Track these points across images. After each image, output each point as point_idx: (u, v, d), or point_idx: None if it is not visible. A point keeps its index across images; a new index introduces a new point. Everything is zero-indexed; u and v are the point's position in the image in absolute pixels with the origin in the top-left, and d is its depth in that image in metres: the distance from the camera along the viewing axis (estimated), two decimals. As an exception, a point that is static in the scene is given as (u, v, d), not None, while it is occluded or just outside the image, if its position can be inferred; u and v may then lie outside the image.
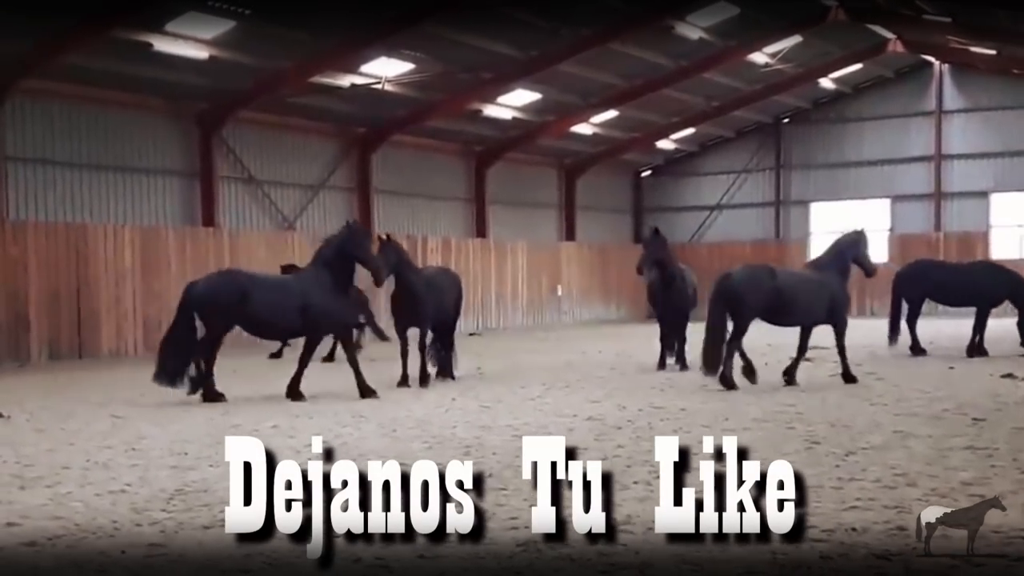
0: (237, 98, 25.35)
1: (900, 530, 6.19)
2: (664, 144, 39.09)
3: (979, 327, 18.72)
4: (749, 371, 14.03)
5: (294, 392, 13.41)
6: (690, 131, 38.07)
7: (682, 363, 17.21)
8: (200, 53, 22.12)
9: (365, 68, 25.40)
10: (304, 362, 13.61)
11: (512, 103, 30.36)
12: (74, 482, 8.17)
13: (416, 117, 29.45)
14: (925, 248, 34.13)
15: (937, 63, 36.84)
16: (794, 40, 30.47)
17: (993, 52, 32.38)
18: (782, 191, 39.81)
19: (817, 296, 14.38)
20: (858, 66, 35.50)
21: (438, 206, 32.91)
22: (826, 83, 36.58)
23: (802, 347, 14.58)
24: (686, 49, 28.99)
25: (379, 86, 25.98)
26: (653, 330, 19.34)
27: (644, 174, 42.33)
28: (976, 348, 18.59)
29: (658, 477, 7.79)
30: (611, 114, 33.33)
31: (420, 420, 11.32)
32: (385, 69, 25.57)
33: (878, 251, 37.09)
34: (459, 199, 33.90)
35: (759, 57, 31.19)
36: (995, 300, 18.93)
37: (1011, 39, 29.44)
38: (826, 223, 39.07)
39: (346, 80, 25.55)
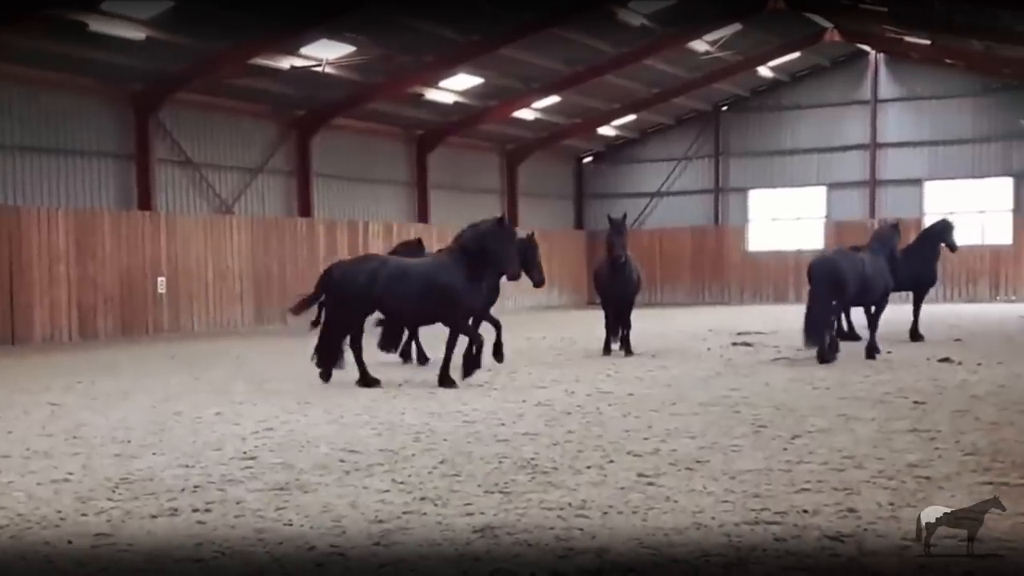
0: (174, 79, 24.86)
1: (851, 512, 6.28)
2: (605, 131, 39.24)
3: (917, 311, 19.09)
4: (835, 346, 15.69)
5: (445, 379, 12.87)
6: (631, 118, 38.23)
7: (627, 349, 17.27)
8: (137, 34, 21.64)
9: (305, 50, 25.06)
10: (450, 349, 13.11)
11: (454, 87, 30.21)
12: (15, 471, 7.97)
13: (357, 100, 29.16)
14: (861, 235, 34.63)
15: (873, 53, 37.40)
16: (734, 28, 30.72)
17: (927, 42, 32.94)
18: (721, 178, 40.20)
19: (882, 280, 16.17)
20: (796, 55, 35.91)
21: (379, 190, 32.70)
22: (764, 71, 36.94)
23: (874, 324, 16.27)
24: (628, 36, 29.05)
25: (319, 69, 25.69)
26: (596, 316, 19.43)
27: (585, 160, 42.47)
28: (915, 332, 18.97)
29: (611, 462, 7.93)
30: (553, 100, 33.35)
31: (367, 406, 11.23)
32: (325, 52, 25.26)
33: (814, 238, 37.92)
34: (400, 183, 33.72)
35: (699, 45, 31.40)
36: (932, 280, 19.41)
37: (944, 29, 29.98)
38: (764, 210, 39.63)
39: (286, 62, 25.21)
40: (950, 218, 20.06)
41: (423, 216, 33.99)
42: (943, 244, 19.73)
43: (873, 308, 16.21)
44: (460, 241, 13.31)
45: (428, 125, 33.39)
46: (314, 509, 6.56)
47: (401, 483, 7.26)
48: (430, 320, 13.71)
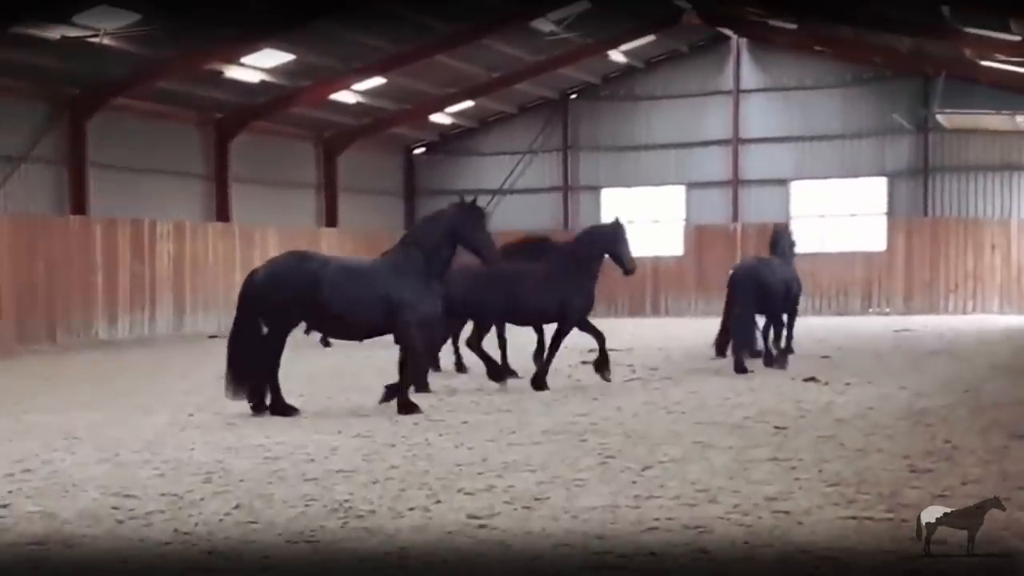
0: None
1: (703, 553, 6.45)
2: (439, 118, 39.34)
3: (790, 326, 19.78)
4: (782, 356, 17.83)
5: (407, 406, 12.65)
6: (468, 104, 38.45)
7: (458, 365, 17.49)
8: None
9: (79, 18, 24.21)
10: (404, 372, 12.83)
11: (259, 64, 29.72)
12: None
13: (143, 78, 28.39)
14: (723, 240, 35.80)
15: (735, 38, 38.61)
16: (581, 6, 31.17)
17: (793, 26, 34.25)
18: (570, 175, 40.82)
19: (797, 285, 18.15)
20: (651, 38, 36.77)
21: (169, 183, 31.82)
22: (616, 56, 37.64)
23: (785, 334, 18.45)
24: (462, 12, 29.22)
25: (97, 40, 24.87)
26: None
27: (417, 151, 42.50)
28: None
29: (438, 502, 7.92)
30: (377, 81, 33.23)
31: (149, 441, 10.91)
32: (104, 20, 24.47)
33: (673, 243, 38.93)
34: (195, 176, 32.92)
35: (543, 24, 31.83)
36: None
37: (810, 12, 31.20)
38: (619, 210, 40.36)
39: (55, 32, 24.29)
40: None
41: (223, 214, 33.28)
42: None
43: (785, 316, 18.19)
44: (408, 238, 13.15)
45: (229, 108, 32.76)
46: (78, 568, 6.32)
47: (186, 534, 7.07)
48: (383, 331, 13.30)
